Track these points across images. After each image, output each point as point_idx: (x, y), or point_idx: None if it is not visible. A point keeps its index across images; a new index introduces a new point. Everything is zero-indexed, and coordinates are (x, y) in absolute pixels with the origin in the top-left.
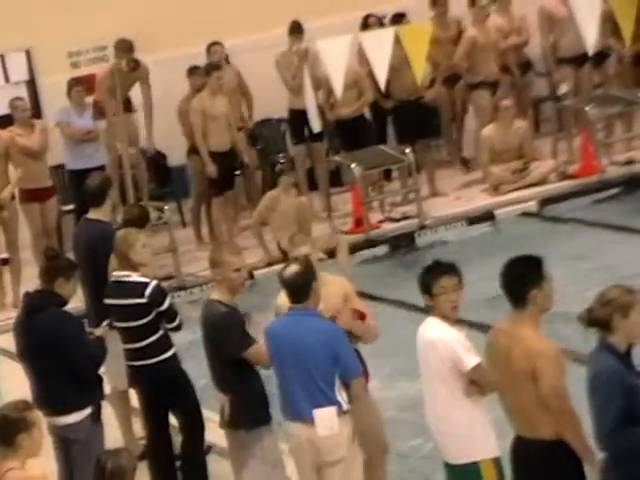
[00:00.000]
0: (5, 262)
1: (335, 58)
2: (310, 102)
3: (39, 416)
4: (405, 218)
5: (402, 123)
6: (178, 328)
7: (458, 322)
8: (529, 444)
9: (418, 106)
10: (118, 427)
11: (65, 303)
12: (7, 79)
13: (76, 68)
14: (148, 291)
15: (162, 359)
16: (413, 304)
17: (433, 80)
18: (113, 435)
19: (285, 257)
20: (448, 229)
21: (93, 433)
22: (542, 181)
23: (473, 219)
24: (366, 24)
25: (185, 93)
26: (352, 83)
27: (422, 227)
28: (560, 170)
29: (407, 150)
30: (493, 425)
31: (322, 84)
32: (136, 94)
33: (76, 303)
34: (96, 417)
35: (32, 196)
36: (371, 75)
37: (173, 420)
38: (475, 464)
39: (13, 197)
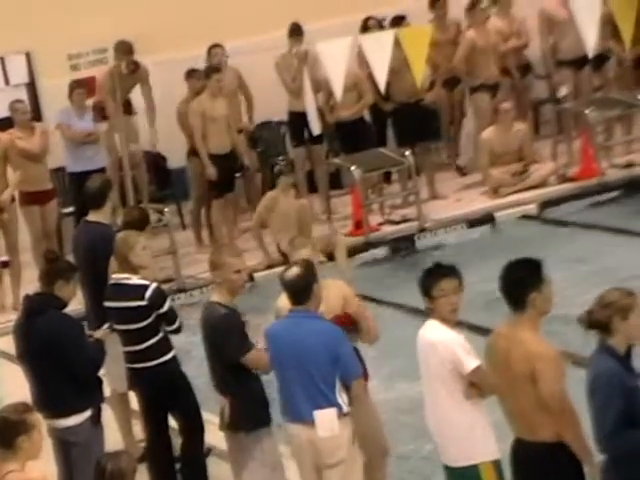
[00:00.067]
0: (5, 265)
1: (335, 60)
2: (310, 104)
3: (39, 418)
4: (405, 221)
5: (402, 126)
6: (178, 330)
7: (457, 324)
8: (529, 446)
9: (418, 109)
10: (118, 429)
11: (65, 306)
12: (7, 82)
13: (76, 71)
14: (148, 293)
15: (162, 362)
16: (413, 306)
17: (433, 83)
18: (113, 437)
19: (285, 259)
20: (448, 232)
21: (93, 436)
22: (542, 184)
23: (473, 222)
24: (366, 26)
25: (185, 95)
26: (352, 85)
27: (422, 230)
28: (560, 173)
29: (407, 153)
30: (493, 428)
31: (322, 86)
32: (136, 96)
33: (76, 305)
34: (96, 420)
35: (32, 199)
36: (371, 77)
37: (173, 422)
38: (475, 467)
39: (13, 200)
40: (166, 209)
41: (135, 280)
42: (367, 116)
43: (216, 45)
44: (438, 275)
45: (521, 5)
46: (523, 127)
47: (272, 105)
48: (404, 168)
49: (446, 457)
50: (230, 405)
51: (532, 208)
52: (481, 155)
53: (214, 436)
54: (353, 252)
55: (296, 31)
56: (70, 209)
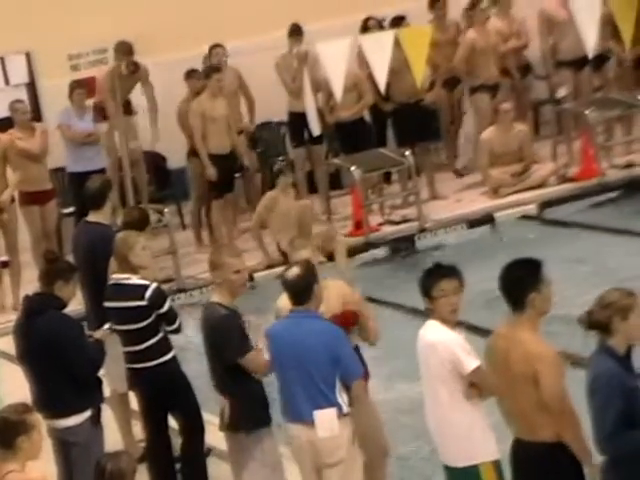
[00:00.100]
0: (5, 265)
1: (335, 61)
2: (310, 105)
3: (39, 419)
4: (405, 221)
5: (402, 126)
6: (178, 330)
7: (457, 324)
8: (528, 447)
9: (418, 109)
10: (118, 430)
11: (65, 306)
12: (7, 82)
13: (76, 71)
14: (148, 293)
15: (162, 362)
16: (412, 307)
17: (432, 83)
18: (113, 438)
19: (284, 258)
20: (448, 232)
21: (93, 436)
22: (542, 184)
23: (473, 222)
24: (366, 27)
25: (184, 96)
26: (352, 86)
27: (422, 230)
28: (560, 173)
29: (407, 153)
30: (492, 429)
31: (322, 87)
32: (136, 97)
33: (76, 306)
34: (96, 420)
35: (32, 199)
36: (371, 78)
37: (173, 423)
38: (475, 467)
39: (13, 200)
40: (166, 209)
41: (135, 280)
42: (367, 116)
43: (217, 45)
44: (438, 275)
45: (521, 6)
46: (523, 128)
47: (272, 105)
48: (404, 168)
49: (446, 457)
50: (230, 405)
51: (532, 208)
52: (481, 155)
53: (214, 436)
54: (353, 252)
55: (296, 31)
56: (70, 209)
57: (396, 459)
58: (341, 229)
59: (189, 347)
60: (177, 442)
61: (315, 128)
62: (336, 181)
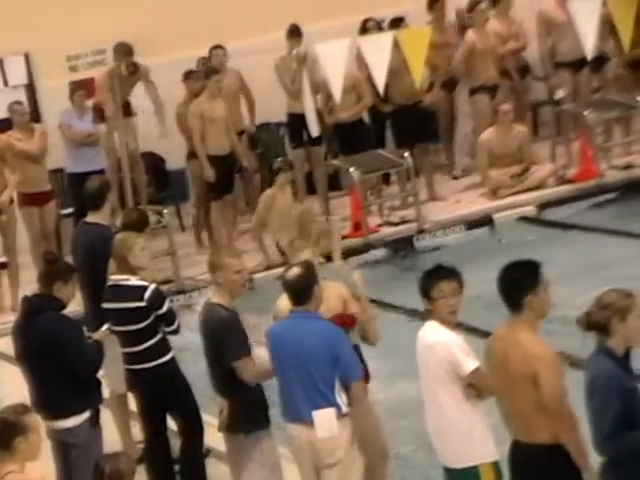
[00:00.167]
0: (3, 266)
1: (334, 62)
2: (309, 106)
3: (37, 420)
4: (404, 222)
5: (401, 127)
6: (176, 331)
7: (457, 326)
8: (527, 448)
9: (417, 110)
10: (116, 431)
11: (64, 307)
12: (6, 83)
13: (75, 72)
14: (147, 294)
15: (160, 363)
16: (412, 308)
17: (431, 84)
18: (112, 439)
19: (283, 256)
20: (447, 233)
21: (92, 437)
22: (540, 185)
23: (472, 223)
24: (365, 28)
25: (183, 97)
26: (351, 87)
27: (421, 231)
28: (559, 174)
29: (406, 154)
30: (491, 430)
31: (321, 88)
32: (136, 98)
33: (75, 307)
34: (95, 421)
35: (31, 200)
36: (370, 79)
37: (172, 424)
38: (474, 468)
39: (12, 201)
40: (165, 210)
41: (134, 281)
42: (366, 117)
43: (217, 46)
44: (437, 277)
45: (519, 7)
46: (522, 129)
47: (271, 107)
48: (403, 169)
49: (445, 458)
50: (229, 406)
51: (531, 210)
52: (480, 156)
53: (213, 437)
54: (353, 253)
55: (295, 32)
56: (69, 210)
57: (396, 459)
58: (340, 230)
59: (188, 348)
60: (176, 443)
61: (314, 129)
62: (335, 182)
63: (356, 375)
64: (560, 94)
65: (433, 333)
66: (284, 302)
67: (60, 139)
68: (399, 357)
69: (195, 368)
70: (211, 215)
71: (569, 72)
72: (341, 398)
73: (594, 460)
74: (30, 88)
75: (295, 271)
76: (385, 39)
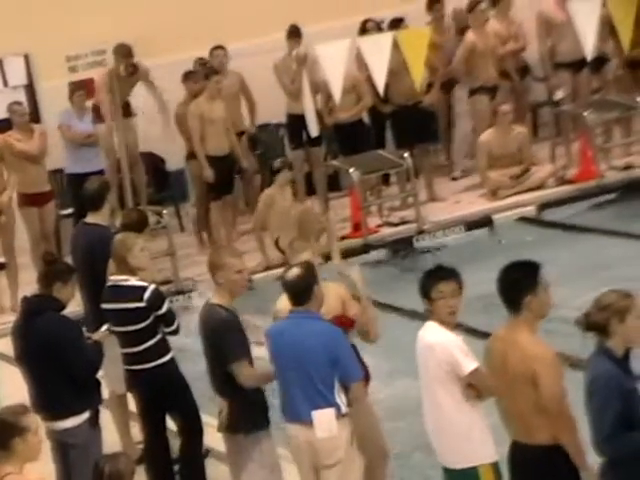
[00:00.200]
0: (2, 267)
1: (334, 63)
2: (308, 106)
3: (35, 421)
4: (403, 223)
5: (400, 128)
6: (176, 332)
7: (456, 326)
8: (526, 449)
9: (416, 111)
10: (116, 431)
11: (63, 307)
12: (5, 83)
13: (74, 72)
14: (147, 295)
15: (160, 363)
16: (411, 309)
17: (430, 85)
18: (111, 439)
19: (283, 255)
20: (446, 234)
21: (91, 437)
22: (540, 186)
23: (471, 224)
24: (364, 29)
25: (182, 98)
26: (350, 88)
27: (420, 232)
28: (558, 175)
29: (405, 155)
30: (491, 430)
31: (321, 88)
32: (136, 99)
33: (74, 307)
34: (94, 421)
35: (30, 200)
36: (369, 80)
37: (172, 424)
38: (474, 469)
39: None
40: (164, 211)
41: (133, 282)
42: (366, 118)
43: (218, 47)
44: (437, 277)
45: (519, 7)
46: (522, 129)
47: (271, 107)
48: (402, 170)
49: (445, 459)
50: (229, 407)
51: (530, 210)
52: (480, 157)
53: (212, 438)
54: (352, 254)
55: (294, 33)
56: (68, 211)
57: (395, 459)
58: (340, 231)
59: (187, 348)
60: (175, 443)
61: (313, 130)
62: (335, 183)
63: (355, 376)
64: (560, 95)
65: (433, 334)
66: (284, 302)
67: (60, 139)
68: (399, 357)
69: (195, 368)
70: (210, 215)
71: (569, 73)
72: (340, 398)
73: (593, 461)
74: (30, 89)
75: (295, 271)
76: (385, 40)
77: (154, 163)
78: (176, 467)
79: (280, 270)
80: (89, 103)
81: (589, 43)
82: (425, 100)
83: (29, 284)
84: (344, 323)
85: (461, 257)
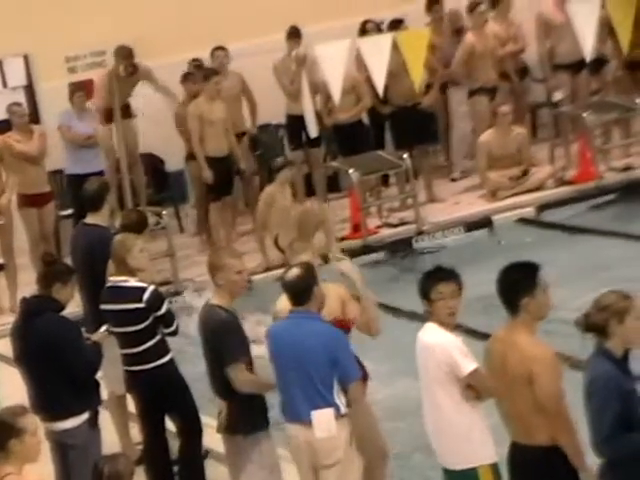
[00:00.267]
0: (1, 267)
1: (333, 63)
2: (308, 107)
3: (33, 422)
4: (403, 224)
5: (400, 129)
6: (175, 333)
7: (456, 327)
8: (525, 450)
9: (416, 112)
10: (115, 432)
11: (62, 308)
12: (5, 84)
13: (73, 73)
14: (146, 296)
15: (159, 364)
16: (410, 310)
17: (429, 86)
18: (110, 440)
19: (282, 253)
20: (446, 234)
21: (90, 438)
22: (539, 187)
23: (471, 225)
24: (364, 30)
25: (181, 99)
26: (350, 88)
27: (420, 233)
28: (557, 176)
29: (405, 156)
30: (491, 431)
31: (320, 89)
32: (136, 100)
33: (73, 308)
34: (93, 422)
35: (30, 201)
36: (369, 81)
37: (171, 425)
38: (473, 470)
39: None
40: (164, 212)
41: (133, 282)
42: (365, 119)
43: (219, 47)
44: (436, 278)
45: (519, 9)
46: (521, 130)
47: (270, 108)
48: (402, 171)
49: (444, 460)
50: (228, 408)
51: (530, 211)
52: (479, 158)
53: (212, 439)
54: (352, 255)
55: (294, 34)
56: (68, 211)
57: (395, 460)
58: (339, 232)
59: (187, 349)
60: (175, 444)
61: (312, 130)
62: (334, 184)
63: (354, 377)
64: (559, 96)
65: (432, 335)
66: (284, 302)
67: (59, 140)
68: (398, 358)
69: (194, 369)
70: (210, 216)
71: (568, 74)
72: (340, 399)
73: (592, 461)
74: (29, 89)
75: (295, 272)
76: (384, 41)
77: (154, 164)
78: (175, 468)
79: (280, 271)
80: (89, 104)
81: (588, 44)
82: (424, 101)
83: (28, 285)
84: (342, 327)
85: (460, 258)
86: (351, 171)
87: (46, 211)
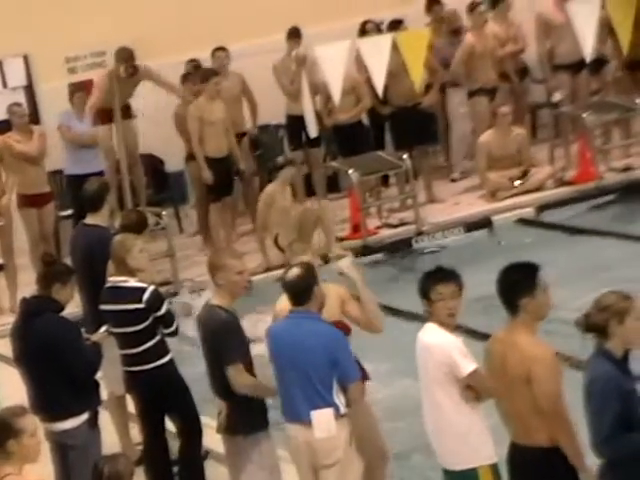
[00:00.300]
0: (1, 268)
1: (333, 64)
2: (308, 108)
3: (32, 422)
4: (402, 224)
5: (399, 129)
6: (175, 333)
7: (456, 328)
8: (525, 451)
9: (416, 112)
10: (115, 432)
11: (62, 308)
12: (5, 85)
13: (73, 74)
14: (146, 296)
15: (159, 364)
16: (410, 310)
17: (429, 86)
18: (110, 440)
19: (281, 252)
20: (445, 235)
21: (90, 439)
22: (539, 187)
23: (470, 225)
24: (364, 30)
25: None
26: (350, 89)
27: (419, 233)
28: (557, 176)
29: (404, 156)
30: (490, 431)
31: (320, 90)
32: (136, 101)
33: (73, 308)
34: (93, 423)
35: (30, 202)
36: (369, 81)
37: (171, 425)
38: (474, 470)
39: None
40: (164, 212)
41: (132, 283)
42: (365, 119)
43: (219, 48)
44: (436, 279)
45: (518, 9)
46: (521, 131)
47: (270, 108)
48: (402, 171)
49: (444, 460)
50: (228, 408)
51: (529, 212)
52: (479, 158)
53: (212, 439)
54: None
55: (294, 34)
56: (68, 212)
57: (395, 460)
58: (339, 232)
59: (186, 350)
60: (175, 445)
61: (312, 131)
62: (334, 184)
63: (354, 377)
64: (558, 96)
65: (432, 335)
66: (284, 302)
67: (59, 141)
68: (398, 358)
69: (194, 370)
70: (209, 217)
71: (568, 74)
72: (339, 399)
73: (592, 462)
74: (29, 90)
75: (295, 272)
76: (384, 41)
77: (153, 164)
78: (175, 468)
79: (280, 271)
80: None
81: (588, 45)
82: (424, 101)
83: (28, 285)
84: (342, 329)
85: (460, 258)
86: (351, 171)
87: (46, 211)
